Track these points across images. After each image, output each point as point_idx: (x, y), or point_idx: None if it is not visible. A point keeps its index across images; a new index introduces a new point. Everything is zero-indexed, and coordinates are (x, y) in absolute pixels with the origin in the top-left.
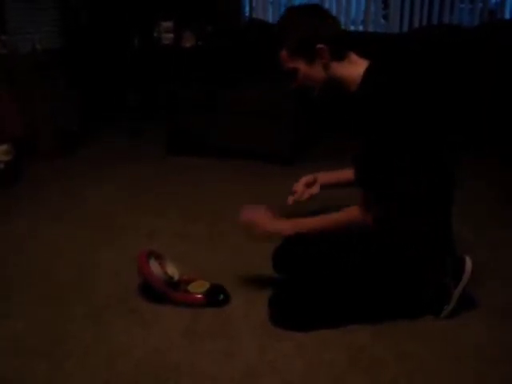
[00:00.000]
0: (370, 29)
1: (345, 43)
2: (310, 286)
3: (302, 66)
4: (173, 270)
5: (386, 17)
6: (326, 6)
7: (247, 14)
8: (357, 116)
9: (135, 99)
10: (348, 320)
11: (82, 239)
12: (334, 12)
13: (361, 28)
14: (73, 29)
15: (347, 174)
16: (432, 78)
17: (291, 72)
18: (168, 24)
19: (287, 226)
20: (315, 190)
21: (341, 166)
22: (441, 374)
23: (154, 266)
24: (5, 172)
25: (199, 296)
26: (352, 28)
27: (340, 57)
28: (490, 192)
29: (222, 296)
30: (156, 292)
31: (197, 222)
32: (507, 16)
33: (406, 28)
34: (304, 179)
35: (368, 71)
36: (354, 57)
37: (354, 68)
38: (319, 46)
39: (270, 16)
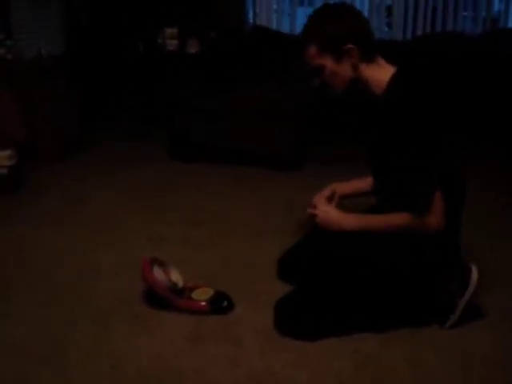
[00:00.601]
0: (374, 36)
1: (374, 46)
2: (317, 294)
3: (329, 64)
4: (177, 277)
5: (389, 24)
6: None
7: (251, 21)
8: (381, 119)
9: (137, 103)
10: (355, 328)
11: (84, 243)
12: None
13: None
14: (77, 34)
15: (363, 182)
16: (444, 83)
17: (317, 68)
18: (172, 30)
19: (350, 223)
20: (334, 204)
21: (342, 168)
22: (449, 381)
23: (158, 273)
24: (8, 177)
25: (203, 303)
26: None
27: (368, 58)
28: (490, 192)
29: (225, 303)
30: (160, 299)
31: (199, 227)
32: (510, 24)
33: (409, 36)
34: (324, 194)
35: (396, 77)
36: (381, 61)
37: (382, 72)
38: (349, 45)
39: (274, 23)
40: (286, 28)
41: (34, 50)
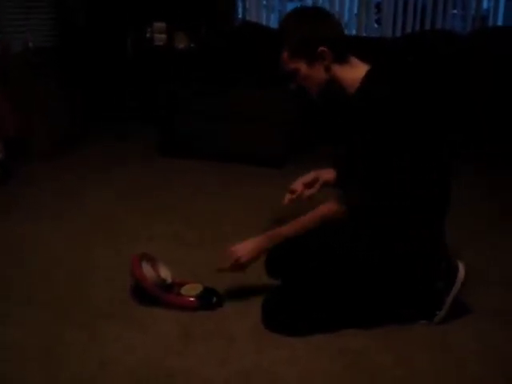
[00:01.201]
0: (363, 33)
1: (346, 46)
2: (303, 290)
3: (302, 67)
4: (166, 273)
5: (378, 21)
6: None
7: (240, 16)
8: (352, 117)
9: (134, 102)
10: (342, 324)
11: (80, 242)
12: None
13: (353, 32)
14: (67, 28)
15: None
16: (428, 81)
17: (292, 73)
18: (161, 25)
19: (262, 239)
20: (314, 190)
21: None
22: (439, 378)
23: (147, 269)
24: None
25: (192, 299)
26: (345, 32)
27: (341, 59)
28: (487, 196)
29: (214, 299)
30: (149, 295)
31: (194, 226)
32: (499, 22)
33: (398, 33)
34: (303, 179)
35: (368, 75)
36: (354, 60)
37: (355, 71)
38: (321, 48)
39: (264, 19)
40: (275, 24)
41: (21, 42)
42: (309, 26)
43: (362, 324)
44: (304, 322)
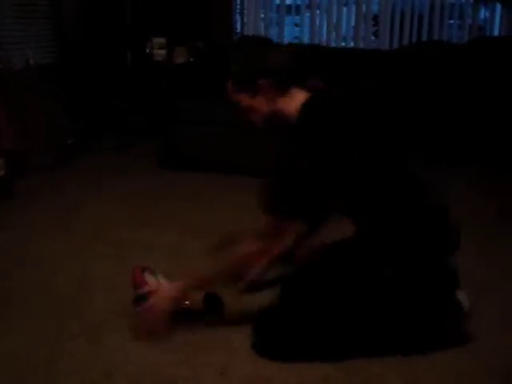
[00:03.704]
0: (361, 45)
1: (290, 78)
2: (303, 314)
3: (245, 99)
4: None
5: (376, 33)
6: (317, 22)
7: (238, 31)
8: (291, 144)
9: (130, 113)
10: (342, 356)
11: (79, 253)
12: (324, 28)
13: (351, 44)
14: (67, 44)
15: None
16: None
17: (237, 104)
18: (160, 40)
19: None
20: None
21: None
22: None
23: (149, 280)
24: None
25: (194, 308)
26: (342, 44)
27: (283, 91)
28: (489, 205)
29: (215, 304)
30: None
31: (194, 237)
32: (496, 32)
33: (396, 45)
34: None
35: (303, 105)
36: (297, 91)
37: (296, 102)
38: (262, 81)
39: (262, 32)
40: (274, 37)
41: (21, 59)
42: (251, 57)
43: (362, 353)
44: (298, 349)
